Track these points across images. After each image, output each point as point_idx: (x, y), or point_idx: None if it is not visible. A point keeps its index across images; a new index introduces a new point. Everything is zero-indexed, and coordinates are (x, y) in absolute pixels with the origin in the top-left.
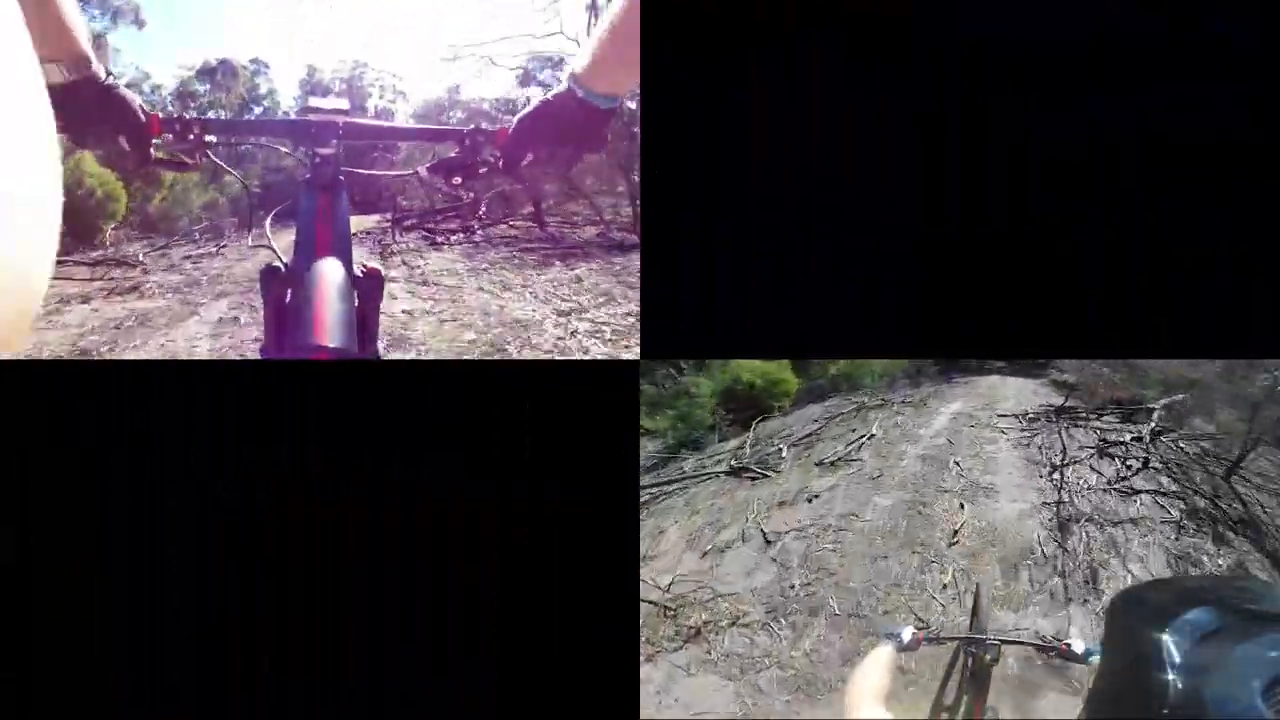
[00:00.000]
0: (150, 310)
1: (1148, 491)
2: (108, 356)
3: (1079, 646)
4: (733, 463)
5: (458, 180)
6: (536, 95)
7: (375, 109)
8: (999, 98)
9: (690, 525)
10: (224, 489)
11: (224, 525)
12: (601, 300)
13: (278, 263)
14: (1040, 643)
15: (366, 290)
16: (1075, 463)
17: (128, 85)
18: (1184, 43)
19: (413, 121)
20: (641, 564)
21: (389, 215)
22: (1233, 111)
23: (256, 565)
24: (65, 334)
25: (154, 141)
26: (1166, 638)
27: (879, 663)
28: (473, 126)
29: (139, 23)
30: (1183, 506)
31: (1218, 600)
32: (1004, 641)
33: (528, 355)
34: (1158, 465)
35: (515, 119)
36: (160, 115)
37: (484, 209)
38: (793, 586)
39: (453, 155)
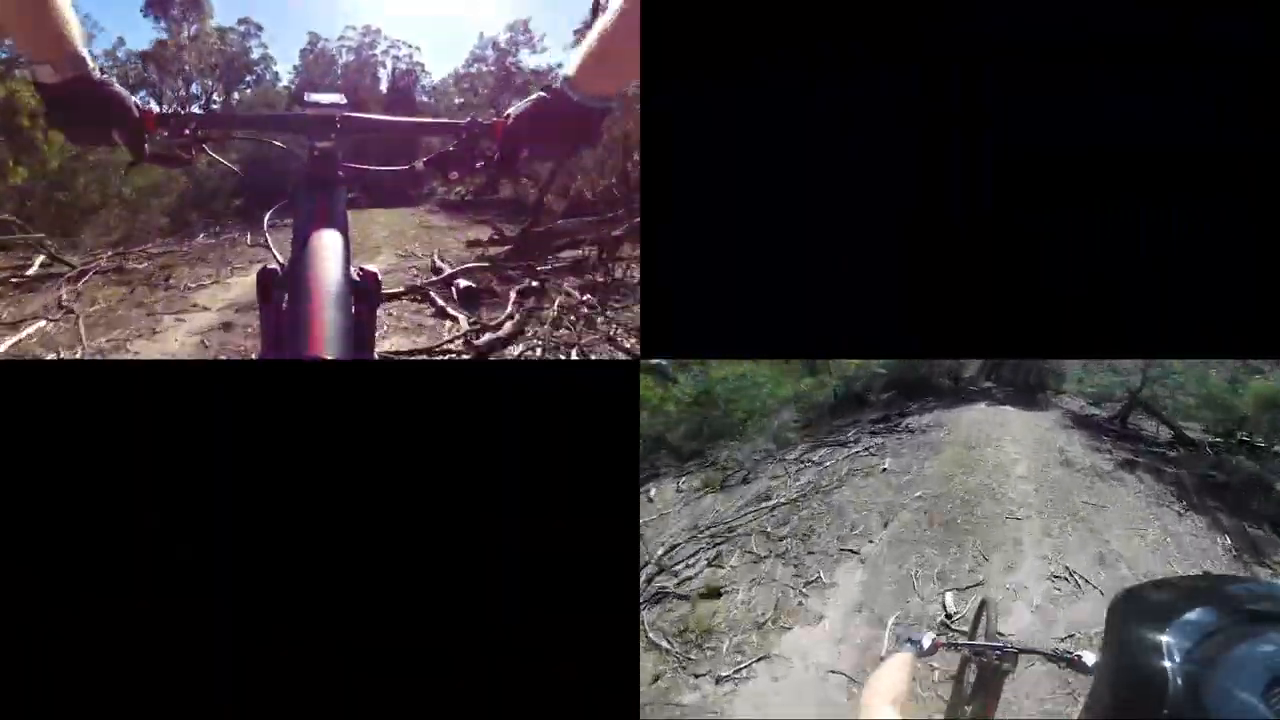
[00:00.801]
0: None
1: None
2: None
3: (1090, 659)
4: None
5: (454, 174)
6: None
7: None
8: (999, 98)
9: None
10: (220, 488)
11: (223, 525)
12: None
13: (275, 265)
14: (1052, 653)
15: (364, 294)
16: None
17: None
18: (1183, 43)
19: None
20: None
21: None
22: (1233, 111)
23: (257, 565)
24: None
25: (149, 137)
26: (1166, 638)
27: (897, 667)
28: (469, 119)
29: None
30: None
31: (1218, 600)
32: (1019, 651)
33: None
34: None
35: (511, 115)
36: (155, 111)
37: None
38: None
39: (449, 149)
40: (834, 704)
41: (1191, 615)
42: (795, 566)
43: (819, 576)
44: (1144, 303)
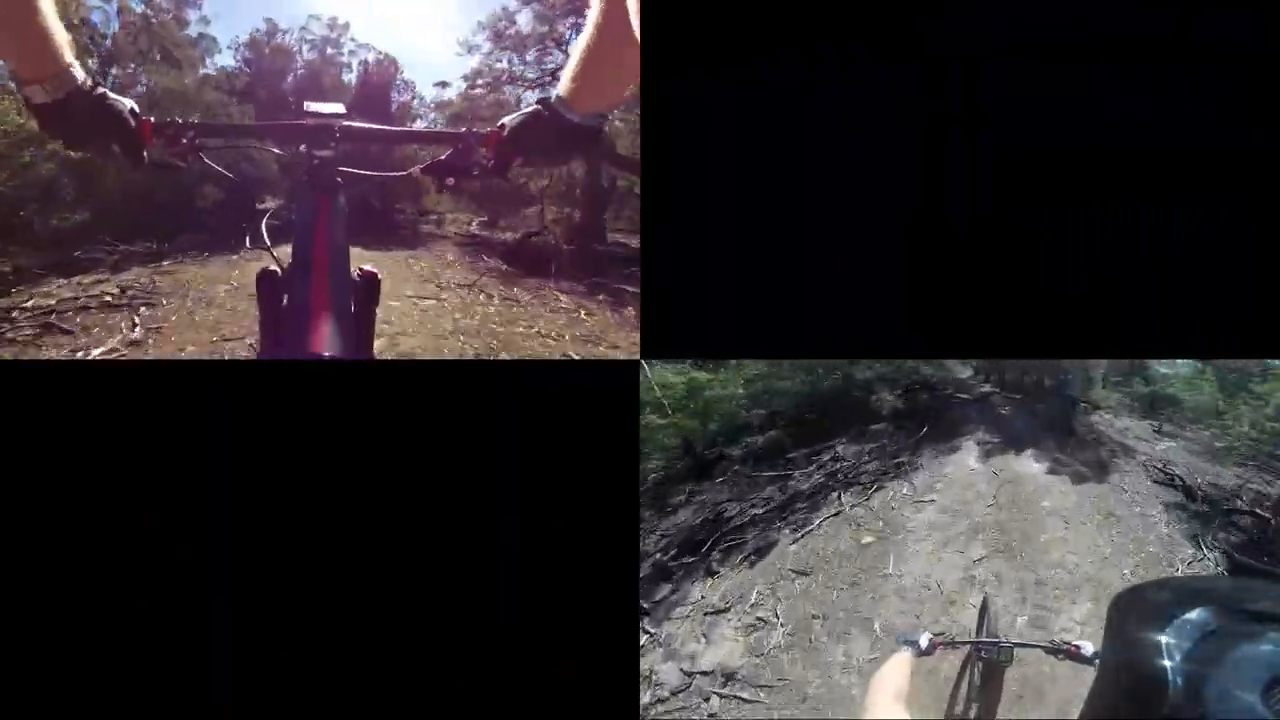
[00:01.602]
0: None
1: None
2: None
3: (1088, 649)
4: None
5: (451, 181)
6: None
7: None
8: (999, 98)
9: None
10: (220, 488)
11: (223, 525)
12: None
13: (274, 267)
14: (1049, 645)
15: (363, 294)
16: None
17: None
18: (1183, 43)
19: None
20: None
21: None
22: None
23: (257, 565)
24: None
25: (147, 146)
26: (1166, 638)
27: (897, 667)
28: (465, 129)
29: None
30: None
31: (1218, 600)
32: (1015, 645)
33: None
34: None
35: (506, 126)
36: (152, 121)
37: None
38: None
39: (445, 157)
40: None
41: (1191, 615)
42: None
43: None
44: (1144, 303)
